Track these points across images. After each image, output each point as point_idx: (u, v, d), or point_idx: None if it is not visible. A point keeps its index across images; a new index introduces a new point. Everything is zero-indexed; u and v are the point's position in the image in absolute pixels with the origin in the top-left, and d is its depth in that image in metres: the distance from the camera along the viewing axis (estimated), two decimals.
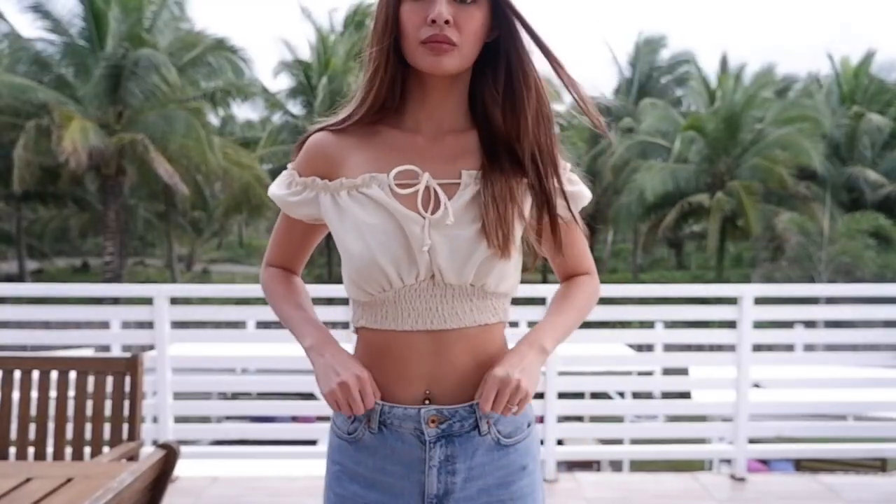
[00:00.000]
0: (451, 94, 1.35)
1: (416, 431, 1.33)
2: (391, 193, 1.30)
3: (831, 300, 5.74)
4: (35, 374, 2.88)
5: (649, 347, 8.18)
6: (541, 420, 3.97)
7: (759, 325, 4.12)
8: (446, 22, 1.24)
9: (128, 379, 2.84)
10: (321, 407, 6.95)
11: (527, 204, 1.34)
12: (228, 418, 9.73)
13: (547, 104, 1.35)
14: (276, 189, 1.44)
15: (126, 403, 2.82)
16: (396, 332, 1.33)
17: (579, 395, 7.49)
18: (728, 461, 4.55)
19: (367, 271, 1.30)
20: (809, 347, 8.08)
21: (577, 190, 1.43)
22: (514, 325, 4.19)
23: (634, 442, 6.50)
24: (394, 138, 1.37)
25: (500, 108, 1.34)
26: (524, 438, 1.40)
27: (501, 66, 1.33)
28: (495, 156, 1.33)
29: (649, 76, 33.30)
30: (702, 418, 6.46)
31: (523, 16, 1.29)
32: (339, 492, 1.39)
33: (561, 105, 1.51)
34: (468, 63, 1.31)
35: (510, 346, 1.38)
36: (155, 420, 4.14)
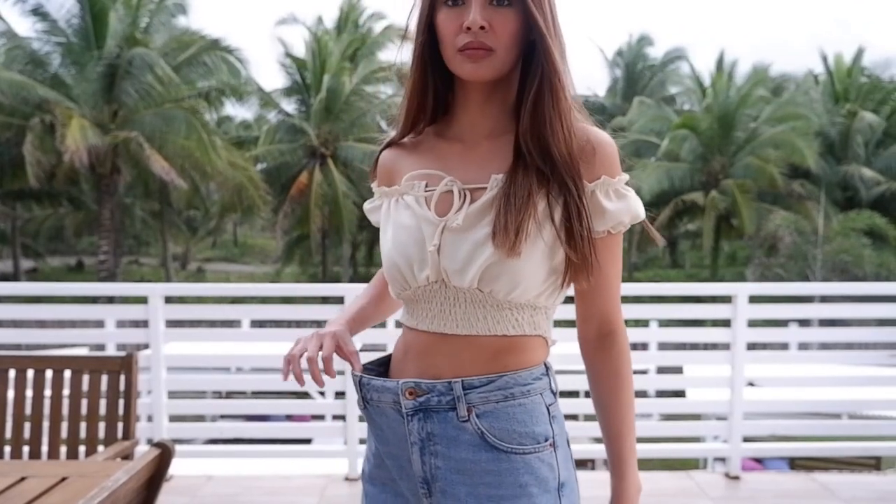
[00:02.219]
0: (492, 100, 1.33)
1: (396, 405, 1.32)
2: (422, 198, 1.33)
3: (826, 299, 5.75)
4: (30, 373, 2.88)
5: (644, 346, 8.16)
6: None
7: (753, 323, 4.12)
8: (482, 28, 1.23)
9: (122, 378, 2.84)
10: (316, 406, 6.97)
11: (557, 210, 1.25)
12: (223, 417, 9.73)
13: (566, 110, 1.27)
14: (367, 202, 1.54)
15: (121, 402, 2.82)
16: (418, 331, 1.35)
17: (574, 394, 7.50)
18: (723, 460, 4.55)
19: (388, 269, 1.35)
20: (804, 346, 8.10)
21: (615, 207, 1.29)
22: None
23: None
24: (437, 147, 1.38)
25: (525, 108, 1.28)
26: (531, 452, 1.30)
27: (536, 68, 1.28)
28: (523, 158, 1.27)
29: (642, 74, 33.38)
30: (696, 417, 6.48)
31: (542, 28, 1.25)
32: (365, 468, 1.46)
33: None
34: (507, 67, 1.28)
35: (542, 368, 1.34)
36: (150, 419, 4.14)
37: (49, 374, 2.89)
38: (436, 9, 1.28)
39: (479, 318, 1.28)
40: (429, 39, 1.31)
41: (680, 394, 6.96)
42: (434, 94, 1.36)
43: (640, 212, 1.32)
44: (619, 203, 1.29)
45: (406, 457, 1.34)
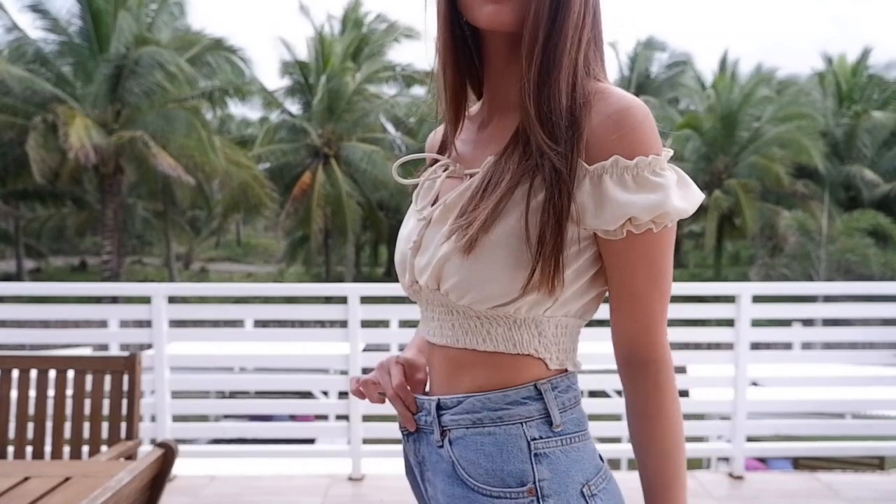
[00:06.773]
0: (513, 64, 1.06)
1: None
2: (421, 188, 1.19)
3: (829, 298, 5.73)
4: (33, 373, 2.88)
5: None
6: None
7: (757, 323, 4.12)
8: None
9: (126, 378, 2.84)
10: (319, 406, 6.97)
11: (537, 199, 0.98)
12: (226, 417, 9.76)
13: (574, 63, 1.02)
14: None
15: (124, 402, 2.82)
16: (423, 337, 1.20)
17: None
18: (726, 459, 4.55)
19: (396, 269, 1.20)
20: (807, 345, 8.08)
21: (627, 198, 0.95)
22: None
23: None
24: (467, 127, 1.19)
25: (525, 61, 1.03)
26: (500, 497, 1.03)
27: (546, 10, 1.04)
28: (522, 134, 1.03)
29: (647, 76, 33.36)
30: (700, 417, 6.46)
31: None
32: None
33: None
34: (531, 14, 1.01)
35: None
36: (153, 419, 4.14)
37: (52, 374, 2.89)
38: None
39: (448, 327, 1.09)
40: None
41: (683, 393, 6.94)
42: (467, 63, 1.15)
43: (671, 205, 0.96)
44: (638, 193, 0.95)
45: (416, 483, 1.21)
